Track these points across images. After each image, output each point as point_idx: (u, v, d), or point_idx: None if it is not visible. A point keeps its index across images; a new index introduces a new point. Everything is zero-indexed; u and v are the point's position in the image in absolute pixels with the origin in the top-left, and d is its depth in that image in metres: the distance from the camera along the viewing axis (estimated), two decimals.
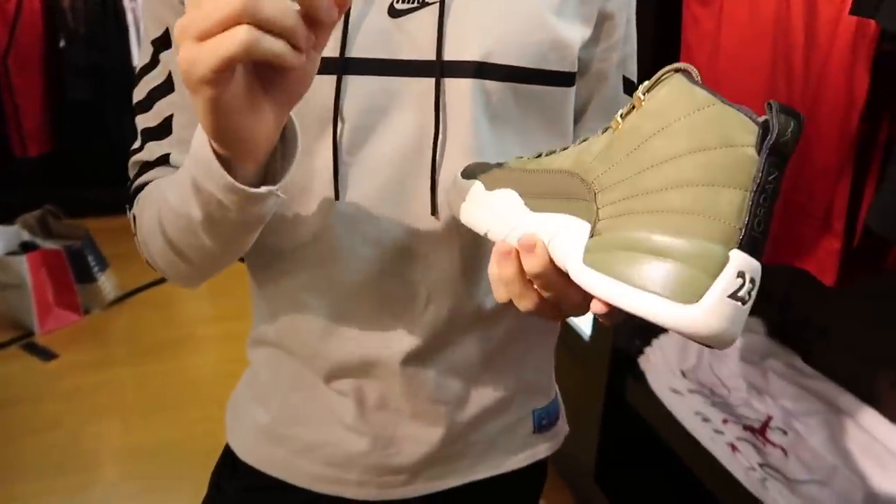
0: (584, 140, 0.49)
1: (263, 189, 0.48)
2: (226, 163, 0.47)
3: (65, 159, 3.09)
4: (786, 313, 1.41)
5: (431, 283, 0.63)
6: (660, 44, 1.31)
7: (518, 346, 0.71)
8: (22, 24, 2.79)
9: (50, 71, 2.91)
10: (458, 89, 0.59)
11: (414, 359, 0.65)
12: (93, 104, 2.96)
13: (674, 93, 0.42)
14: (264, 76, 0.43)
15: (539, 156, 0.52)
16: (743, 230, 0.37)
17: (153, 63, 0.66)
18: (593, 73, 0.69)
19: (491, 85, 0.60)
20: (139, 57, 0.68)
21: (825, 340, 1.33)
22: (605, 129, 0.47)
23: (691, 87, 0.41)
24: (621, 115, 0.45)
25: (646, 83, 0.44)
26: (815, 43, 0.99)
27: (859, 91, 0.94)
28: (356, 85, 0.59)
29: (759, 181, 0.38)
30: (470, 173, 0.56)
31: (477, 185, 0.54)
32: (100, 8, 2.88)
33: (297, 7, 0.40)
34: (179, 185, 0.53)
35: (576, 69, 0.65)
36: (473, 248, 0.63)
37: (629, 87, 0.73)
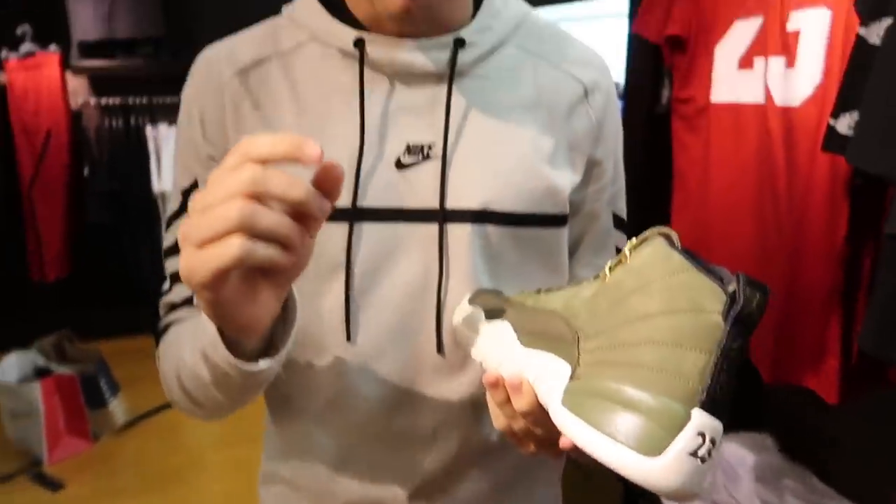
0: (578, 284, 0.53)
1: (264, 365, 0.51)
2: (229, 341, 0.50)
3: (80, 281, 3.16)
4: (797, 430, 1.40)
5: (439, 419, 0.65)
6: (652, 168, 1.38)
7: (525, 481, 0.71)
8: (49, 157, 2.94)
9: (72, 197, 3.03)
10: (460, 234, 0.64)
11: (422, 495, 0.66)
12: (109, 227, 3.06)
13: (654, 255, 0.45)
14: (261, 267, 0.46)
15: (539, 292, 0.56)
16: (705, 392, 0.39)
17: (182, 209, 0.71)
18: (585, 212, 0.74)
19: (490, 229, 0.65)
20: (169, 204, 0.74)
21: (837, 456, 1.31)
22: (596, 277, 0.51)
23: (669, 252, 0.45)
24: (609, 268, 0.49)
25: (633, 241, 0.48)
26: (797, 171, 1.05)
27: (841, 216, 0.99)
28: (366, 232, 0.63)
29: (723, 347, 0.40)
30: (475, 300, 0.60)
31: (478, 314, 0.58)
32: (123, 136, 3.04)
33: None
34: (192, 347, 0.56)
35: (568, 211, 0.70)
36: (479, 383, 0.65)
37: (619, 223, 0.77)
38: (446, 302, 0.64)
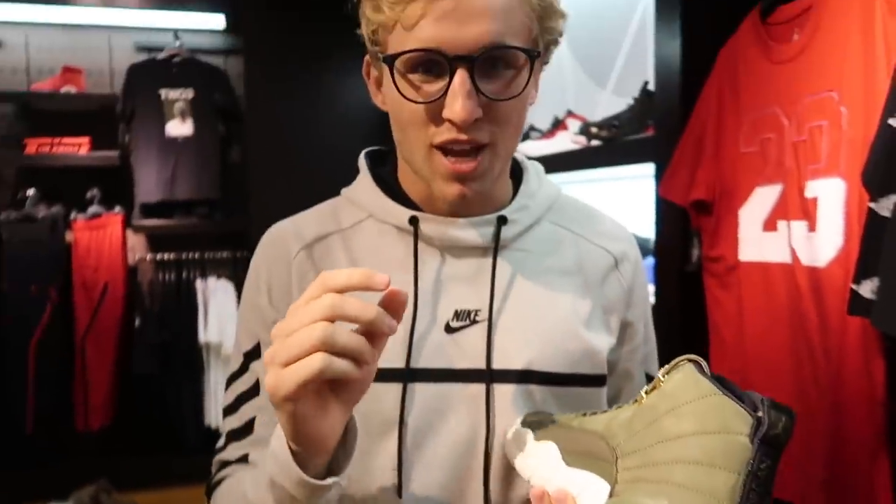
0: (618, 407, 0.58)
1: (329, 480, 0.56)
2: (300, 459, 0.56)
3: (120, 429, 3.19)
4: None
5: None
6: (686, 322, 1.42)
7: None
8: (103, 309, 3.08)
9: (121, 348, 3.14)
10: (506, 393, 0.70)
11: None
12: (154, 377, 3.13)
13: (685, 380, 0.50)
14: (333, 383, 0.54)
15: (584, 414, 0.61)
16: None
17: (243, 370, 0.77)
18: (620, 372, 0.79)
19: (534, 388, 0.71)
20: (230, 365, 0.80)
21: None
22: (634, 401, 0.56)
23: (698, 377, 0.50)
24: (645, 392, 0.54)
25: (666, 367, 0.54)
26: (829, 326, 1.09)
27: (877, 366, 1.01)
28: (418, 392, 0.69)
29: (751, 467, 0.43)
30: (525, 421, 0.65)
31: (528, 433, 0.63)
32: (174, 289, 3.19)
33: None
34: (256, 481, 0.61)
35: (606, 372, 0.76)
36: None
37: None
38: (493, 459, 0.68)
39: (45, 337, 2.97)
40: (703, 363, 0.52)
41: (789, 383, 1.17)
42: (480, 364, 0.70)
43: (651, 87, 1.58)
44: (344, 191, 0.82)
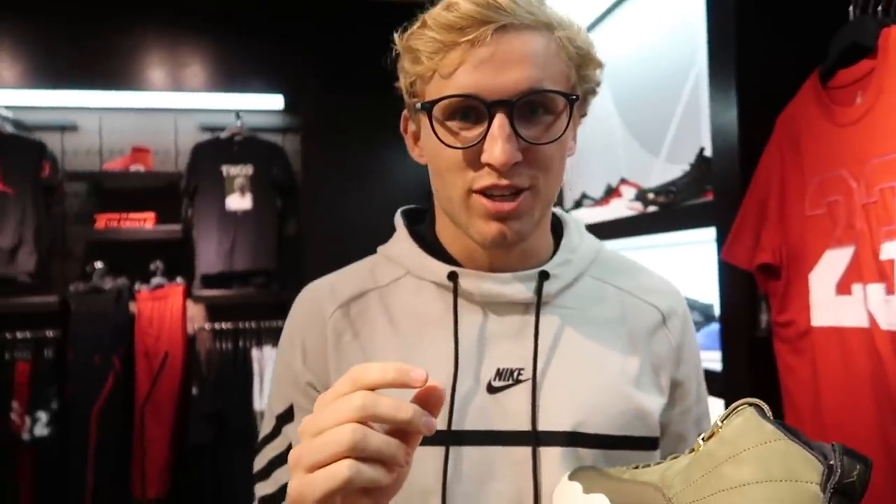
0: (674, 457, 0.55)
1: None
2: None
3: (176, 498, 3.19)
4: None
5: None
6: (757, 390, 1.38)
7: None
8: (163, 378, 3.15)
9: (179, 417, 3.18)
10: (553, 457, 0.66)
11: None
12: (208, 446, 3.15)
13: (746, 424, 0.47)
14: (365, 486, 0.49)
15: (636, 467, 0.58)
16: None
17: (275, 434, 0.75)
18: (672, 434, 0.76)
19: (582, 452, 0.67)
20: (262, 427, 0.78)
21: None
22: (690, 450, 0.53)
23: (761, 422, 0.47)
24: (703, 439, 0.51)
25: (724, 411, 0.51)
26: None
27: None
28: (460, 455, 0.66)
29: None
30: (574, 476, 0.61)
31: (576, 487, 0.59)
32: (231, 358, 3.24)
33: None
34: None
35: (658, 434, 0.72)
36: None
37: None
38: None
39: (107, 405, 3.03)
40: (765, 407, 0.48)
41: (878, 454, 1.11)
42: (526, 426, 0.67)
43: (707, 152, 1.59)
44: (380, 248, 0.80)
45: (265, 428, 0.76)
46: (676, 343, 0.76)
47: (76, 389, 3.02)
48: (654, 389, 0.73)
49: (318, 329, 0.73)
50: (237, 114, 3.35)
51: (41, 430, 3.00)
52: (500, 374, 0.69)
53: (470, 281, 0.71)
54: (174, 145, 3.50)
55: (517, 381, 0.68)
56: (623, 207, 1.92)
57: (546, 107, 0.65)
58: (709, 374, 1.45)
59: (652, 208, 1.75)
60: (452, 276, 0.71)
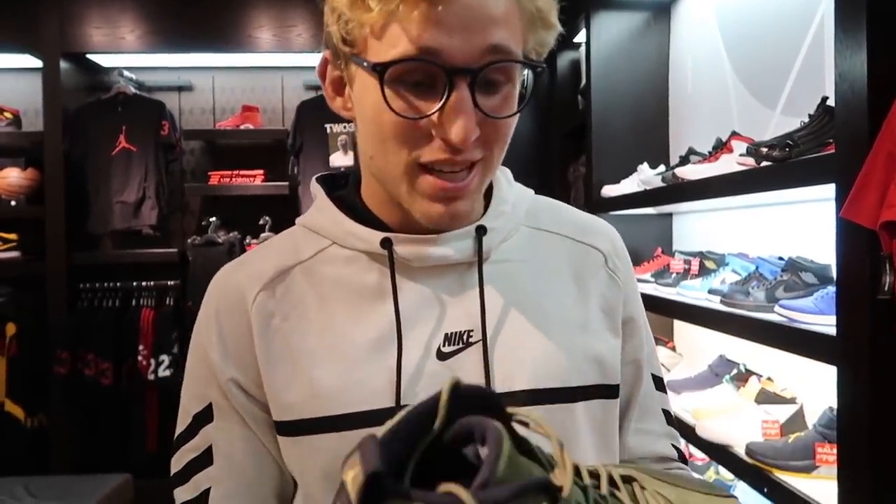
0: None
1: None
2: None
3: None
4: None
5: None
6: (877, 355, 1.29)
7: None
8: None
9: None
10: None
11: None
12: None
13: None
14: None
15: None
16: None
17: (191, 433, 0.69)
18: (629, 374, 0.74)
19: (542, 409, 0.64)
20: (178, 423, 0.71)
21: None
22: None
23: None
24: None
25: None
26: None
27: None
28: None
29: None
30: None
31: None
32: None
33: None
34: None
35: (618, 381, 0.70)
36: None
37: (659, 384, 0.78)
38: None
39: None
40: None
41: None
42: None
43: (831, 102, 1.48)
44: (299, 220, 0.73)
45: (180, 425, 0.71)
46: (621, 281, 0.74)
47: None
48: (608, 333, 0.71)
49: (239, 316, 0.67)
50: None
51: (163, 371, 3.25)
52: (448, 338, 0.65)
53: (405, 247, 0.66)
54: (281, 103, 3.62)
55: (468, 344, 0.65)
56: (733, 163, 1.82)
57: (508, 75, 0.60)
58: (824, 339, 1.38)
59: (765, 163, 1.65)
60: (386, 244, 0.65)
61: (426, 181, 0.61)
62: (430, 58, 0.56)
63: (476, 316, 0.66)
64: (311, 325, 0.67)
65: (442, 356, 0.65)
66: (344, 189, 0.74)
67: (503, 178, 0.74)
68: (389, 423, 0.34)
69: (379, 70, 0.57)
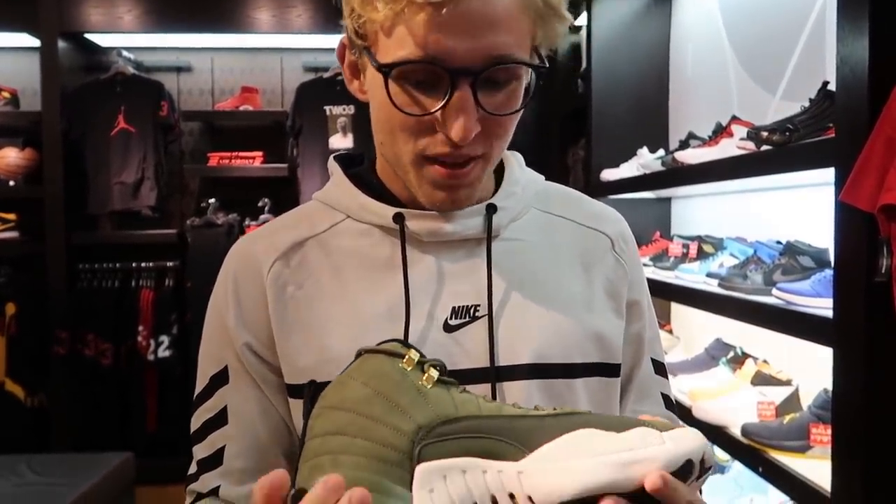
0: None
1: None
2: None
3: None
4: None
5: None
6: (874, 338, 1.31)
7: None
8: None
9: None
10: (514, 391, 0.66)
11: None
12: None
13: None
14: None
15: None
16: None
17: (208, 393, 0.72)
18: (629, 356, 0.76)
19: (544, 383, 0.67)
20: (196, 384, 0.75)
21: None
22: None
23: None
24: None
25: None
26: None
27: None
28: None
29: None
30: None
31: None
32: None
33: None
34: None
35: (619, 360, 0.72)
36: None
37: (659, 368, 0.79)
38: None
39: None
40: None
41: None
42: (485, 362, 0.66)
43: (832, 87, 1.49)
44: (315, 195, 0.76)
45: (198, 385, 0.74)
46: (627, 266, 0.76)
47: (194, 316, 3.24)
48: (611, 314, 0.73)
49: (256, 284, 0.70)
50: None
51: (163, 352, 3.27)
52: (455, 312, 0.68)
53: (417, 222, 0.69)
54: (280, 85, 3.60)
55: (474, 318, 0.68)
56: (733, 147, 1.83)
57: (510, 74, 0.62)
58: (820, 322, 1.39)
59: (765, 148, 1.66)
60: (398, 218, 0.68)
61: (432, 170, 0.65)
62: (434, 61, 0.59)
63: (483, 291, 0.68)
64: (325, 294, 0.69)
65: (448, 328, 0.68)
66: (360, 167, 0.77)
67: (515, 161, 0.78)
68: None
69: (384, 71, 0.61)
